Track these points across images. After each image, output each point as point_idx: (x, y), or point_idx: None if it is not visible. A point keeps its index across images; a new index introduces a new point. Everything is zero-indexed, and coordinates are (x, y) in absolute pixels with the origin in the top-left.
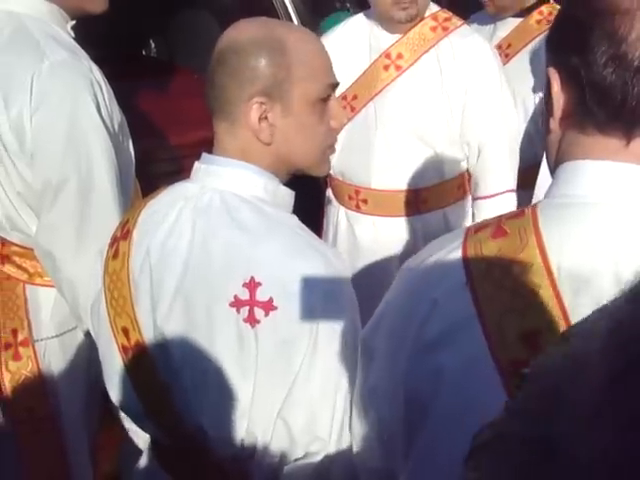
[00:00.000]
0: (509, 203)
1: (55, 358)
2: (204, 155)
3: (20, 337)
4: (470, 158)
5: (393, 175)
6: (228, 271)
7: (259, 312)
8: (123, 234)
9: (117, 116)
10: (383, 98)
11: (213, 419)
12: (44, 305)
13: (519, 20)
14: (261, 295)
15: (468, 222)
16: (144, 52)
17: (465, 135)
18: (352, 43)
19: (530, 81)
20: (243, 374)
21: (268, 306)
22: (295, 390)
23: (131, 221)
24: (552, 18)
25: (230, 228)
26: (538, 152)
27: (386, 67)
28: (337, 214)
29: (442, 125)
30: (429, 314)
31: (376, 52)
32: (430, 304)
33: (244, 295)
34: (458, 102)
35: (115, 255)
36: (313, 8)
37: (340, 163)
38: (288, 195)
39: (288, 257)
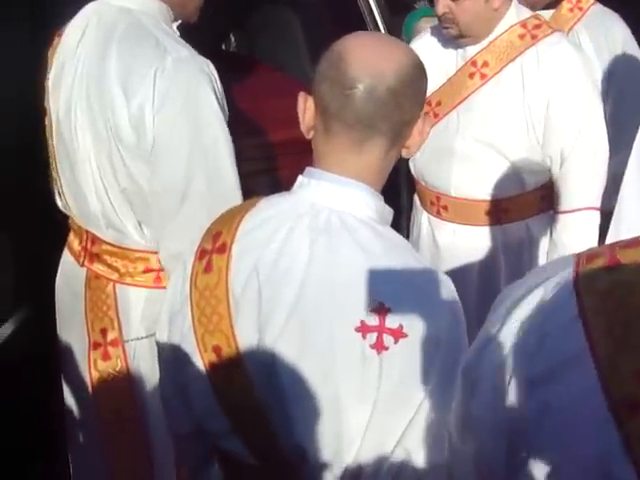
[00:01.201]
0: (590, 221)
1: (144, 359)
2: (311, 170)
3: (110, 337)
4: (552, 169)
5: (473, 184)
6: (354, 295)
7: (388, 339)
8: (217, 248)
9: (227, 113)
10: (466, 106)
11: (317, 443)
12: (135, 305)
13: (551, 12)
14: (390, 322)
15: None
16: (224, 47)
17: (546, 147)
18: (440, 49)
19: None
20: (360, 400)
21: (398, 333)
22: (418, 418)
23: (227, 235)
24: (581, 5)
25: (353, 250)
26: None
27: (471, 75)
28: (420, 218)
29: (522, 136)
30: (538, 347)
31: (462, 59)
32: (539, 337)
33: (372, 321)
34: (539, 114)
35: (207, 269)
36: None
37: (422, 168)
38: (390, 213)
39: (415, 284)
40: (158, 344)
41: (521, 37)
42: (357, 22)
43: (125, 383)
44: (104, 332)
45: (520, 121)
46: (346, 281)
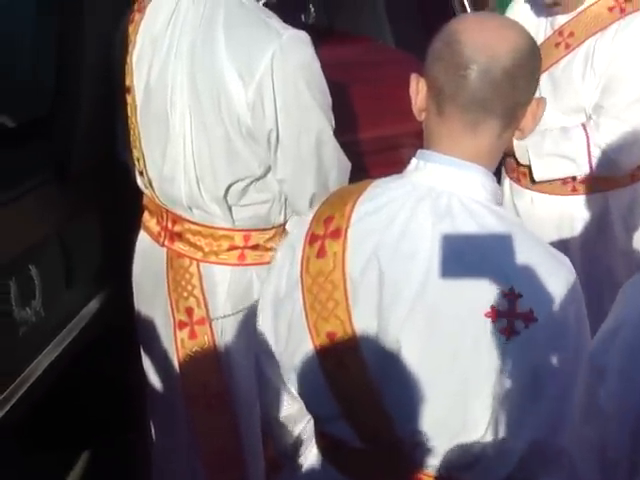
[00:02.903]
0: None
1: (231, 335)
2: (424, 152)
3: (196, 316)
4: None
5: None
6: (484, 280)
7: (519, 324)
8: (331, 232)
9: None
10: (549, 75)
11: (438, 428)
12: (220, 283)
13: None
14: (522, 306)
15: (635, 210)
16: (303, 18)
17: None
18: (532, 17)
19: None
20: (488, 386)
21: (529, 317)
22: (544, 404)
23: (340, 219)
24: (626, 6)
25: (479, 235)
26: None
27: (557, 44)
28: (504, 183)
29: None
30: None
31: (551, 28)
32: None
33: (503, 306)
34: (601, 73)
35: (321, 254)
36: None
37: None
38: (501, 193)
39: (544, 267)
40: (260, 327)
41: (610, 9)
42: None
43: (213, 360)
44: (190, 311)
45: (589, 91)
46: (476, 267)
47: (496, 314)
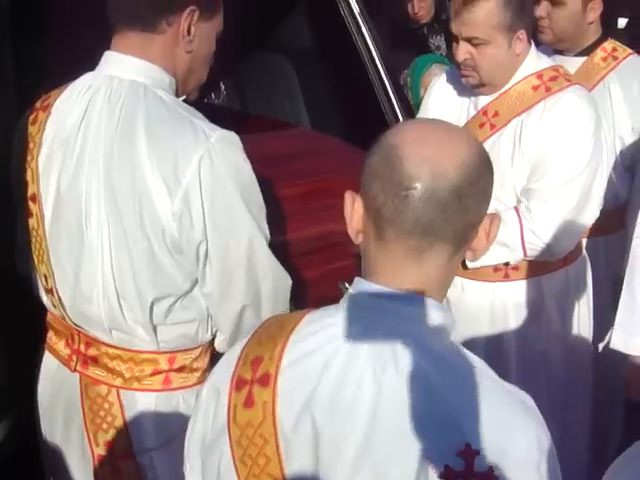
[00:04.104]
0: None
1: (159, 471)
2: (361, 283)
3: (118, 450)
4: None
5: None
6: (435, 436)
7: None
8: (258, 378)
9: None
10: None
11: None
12: (145, 412)
13: (582, 59)
14: (479, 465)
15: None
16: (214, 98)
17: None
18: (455, 96)
19: (605, 120)
20: None
21: (488, 477)
22: None
23: (269, 363)
24: (616, 54)
25: (428, 381)
26: (619, 194)
27: (482, 125)
28: None
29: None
30: None
31: (474, 108)
32: None
33: (458, 466)
34: (530, 153)
35: (249, 404)
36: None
37: None
38: (454, 322)
39: (502, 417)
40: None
41: (535, 89)
42: (357, 70)
43: None
44: (111, 445)
45: (518, 173)
46: (424, 419)
47: (452, 475)
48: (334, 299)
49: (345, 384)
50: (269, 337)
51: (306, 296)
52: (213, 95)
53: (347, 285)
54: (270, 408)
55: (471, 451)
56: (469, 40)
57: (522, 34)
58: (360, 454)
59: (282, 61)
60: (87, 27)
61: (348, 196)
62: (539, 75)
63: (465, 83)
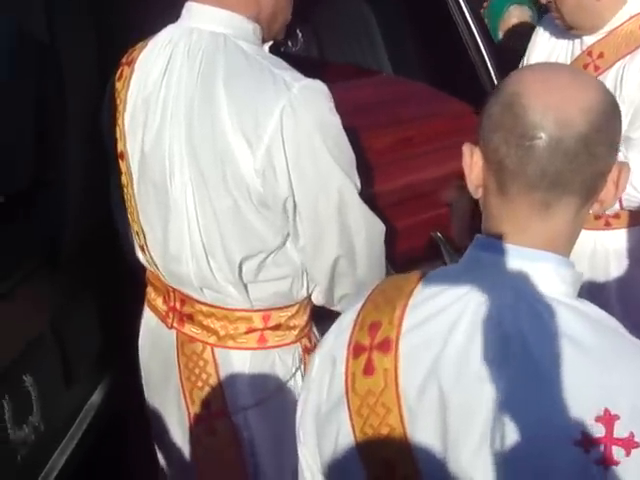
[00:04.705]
0: None
1: (255, 430)
2: (484, 240)
3: (213, 408)
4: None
5: None
6: (570, 401)
7: (618, 451)
8: (378, 344)
9: None
10: None
11: None
12: (239, 371)
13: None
14: (620, 431)
15: None
16: (291, 46)
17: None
18: (561, 36)
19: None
20: None
21: (630, 443)
22: None
23: (388, 327)
24: None
25: (561, 345)
26: None
27: (586, 66)
28: None
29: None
30: None
31: (579, 48)
32: None
33: (597, 432)
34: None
35: (368, 371)
36: None
37: None
38: (581, 279)
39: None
40: (302, 450)
41: None
42: (440, 12)
43: (235, 461)
44: (206, 404)
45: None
46: (556, 383)
47: (589, 442)
48: (425, 249)
49: (473, 350)
50: (386, 300)
51: (397, 247)
52: (290, 43)
53: (440, 235)
54: (392, 375)
55: (610, 416)
56: None
57: None
58: (488, 426)
59: (360, 4)
60: None
61: (466, 148)
62: None
63: (561, 25)
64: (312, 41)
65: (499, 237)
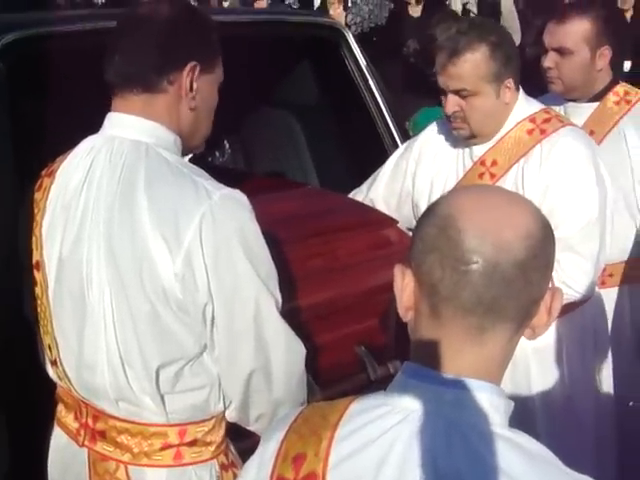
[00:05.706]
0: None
1: None
2: (412, 368)
3: None
4: None
5: None
6: None
7: None
8: (303, 478)
9: None
10: None
11: None
12: None
13: (594, 105)
14: None
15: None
16: (219, 157)
17: None
18: (449, 148)
19: (623, 165)
20: None
21: None
22: None
23: (315, 460)
24: (629, 98)
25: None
26: None
27: (481, 175)
28: None
29: None
30: None
31: (471, 159)
32: None
33: None
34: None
35: None
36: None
37: None
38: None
39: None
40: None
41: (529, 132)
42: (365, 125)
43: None
44: None
45: None
46: None
47: None
48: (349, 364)
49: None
50: (311, 431)
51: (321, 362)
52: (217, 154)
53: (364, 349)
54: None
55: None
56: (457, 92)
57: (510, 82)
58: None
59: (288, 117)
60: (89, 90)
61: (398, 270)
62: (532, 119)
63: (457, 135)
64: (239, 152)
65: (430, 363)
